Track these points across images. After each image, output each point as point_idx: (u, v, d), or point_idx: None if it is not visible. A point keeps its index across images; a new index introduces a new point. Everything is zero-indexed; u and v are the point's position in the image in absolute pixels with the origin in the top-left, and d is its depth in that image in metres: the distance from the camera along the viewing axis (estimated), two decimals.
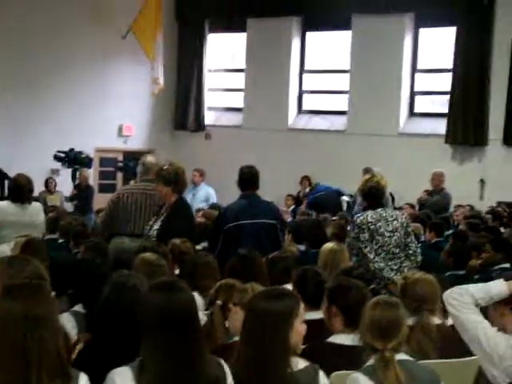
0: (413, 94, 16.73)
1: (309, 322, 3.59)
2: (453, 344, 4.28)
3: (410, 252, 6.93)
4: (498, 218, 11.73)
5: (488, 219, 11.65)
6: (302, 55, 18.11)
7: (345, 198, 13.85)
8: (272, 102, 17.85)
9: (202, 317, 4.62)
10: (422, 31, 16.60)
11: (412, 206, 13.38)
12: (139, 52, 17.42)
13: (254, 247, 6.16)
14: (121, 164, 15.81)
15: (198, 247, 7.48)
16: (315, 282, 4.94)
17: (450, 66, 15.95)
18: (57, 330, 3.03)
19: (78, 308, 4.61)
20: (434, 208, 12.39)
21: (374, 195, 7.12)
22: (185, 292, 3.29)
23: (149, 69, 17.88)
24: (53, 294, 3.85)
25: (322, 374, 3.54)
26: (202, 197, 13.44)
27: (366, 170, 11.48)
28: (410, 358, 3.79)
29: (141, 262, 5.15)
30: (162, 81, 17.99)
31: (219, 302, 4.60)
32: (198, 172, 13.83)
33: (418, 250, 7.06)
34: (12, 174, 9.25)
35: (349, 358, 3.81)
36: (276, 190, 14.03)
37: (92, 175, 16.42)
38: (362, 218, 7.01)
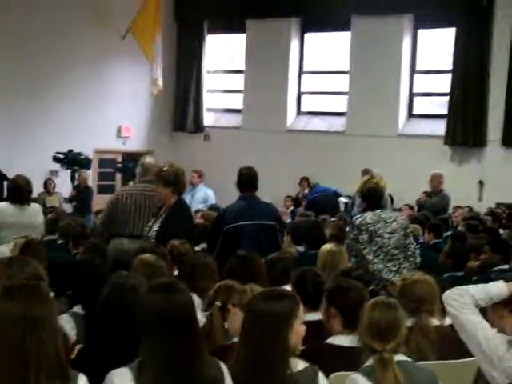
0: (412, 96, 16.74)
1: (308, 323, 3.60)
2: (452, 345, 4.28)
3: (409, 253, 6.93)
4: (497, 219, 11.73)
5: (487, 220, 11.66)
6: (301, 56, 18.12)
7: (342, 200, 13.88)
8: (271, 103, 17.85)
9: (201, 318, 4.62)
10: (421, 32, 16.61)
11: (411, 208, 13.39)
12: (138, 53, 17.43)
13: (253, 248, 6.16)
14: (120, 165, 15.81)
15: (197, 248, 7.48)
16: (314, 283, 4.95)
17: (449, 67, 15.97)
18: (56, 330, 3.03)
19: (77, 309, 4.61)
20: (432, 209, 12.40)
21: (372, 196, 7.12)
22: (183, 293, 3.30)
23: (148, 70, 17.88)
24: (51, 294, 3.84)
25: (321, 376, 3.55)
26: (201, 198, 13.45)
27: (365, 172, 11.48)
28: (409, 359, 3.80)
29: (140, 263, 5.16)
30: (160, 82, 17.98)
31: (218, 303, 4.60)
32: (197, 173, 13.84)
33: (417, 252, 7.06)
34: (11, 175, 9.25)
35: (348, 359, 3.82)
36: (275, 191, 14.03)
37: (91, 176, 16.42)
38: (361, 219, 7.01)
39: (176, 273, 5.80)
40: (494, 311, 3.92)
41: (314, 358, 3.59)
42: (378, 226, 6.87)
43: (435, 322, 4.58)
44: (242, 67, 18.79)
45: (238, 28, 18.67)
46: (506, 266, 7.52)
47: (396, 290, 4.95)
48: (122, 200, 7.51)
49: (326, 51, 18.11)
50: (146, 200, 7.49)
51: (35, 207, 8.09)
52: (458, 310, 3.90)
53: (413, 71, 16.65)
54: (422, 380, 3.73)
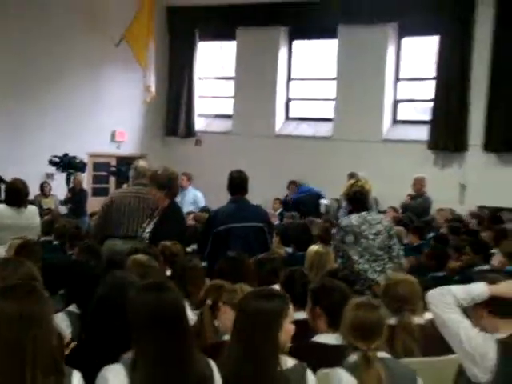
0: (396, 102, 16.76)
1: (295, 322, 3.59)
2: (434, 343, 4.29)
3: (394, 254, 6.95)
4: (481, 221, 11.76)
5: (470, 223, 11.69)
6: (289, 63, 18.12)
7: (323, 202, 13.92)
8: (260, 108, 17.87)
9: (192, 316, 4.63)
10: (405, 40, 16.64)
11: (395, 210, 13.43)
12: (132, 60, 17.43)
13: (242, 249, 6.18)
14: (114, 168, 15.80)
15: (189, 249, 7.49)
16: (302, 283, 4.96)
17: (432, 74, 16.00)
18: (51, 329, 3.03)
19: (73, 308, 4.61)
20: (415, 211, 12.47)
21: (358, 199, 7.15)
22: (173, 292, 3.30)
23: (141, 77, 17.87)
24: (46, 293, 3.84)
25: (309, 372, 3.56)
26: (190, 200, 13.46)
27: (351, 175, 11.52)
28: (389, 356, 3.83)
29: (133, 263, 5.15)
30: (153, 88, 17.99)
31: (209, 302, 4.60)
32: (186, 176, 13.82)
33: (401, 253, 7.09)
34: (8, 178, 9.25)
35: (333, 357, 3.83)
36: (264, 193, 14.02)
37: (86, 179, 16.42)
38: (346, 221, 7.04)
39: (168, 273, 5.80)
40: (474, 312, 3.92)
41: (301, 356, 3.60)
42: (364, 227, 6.90)
43: (418, 320, 4.60)
44: (233, 74, 18.79)
45: (228, 36, 18.67)
46: (486, 267, 7.54)
47: (380, 290, 4.98)
48: (115, 202, 7.52)
49: (314, 59, 18.11)
50: (140, 202, 7.49)
51: (32, 209, 8.07)
52: (441, 310, 3.89)
53: (397, 78, 16.67)
54: (402, 375, 3.76)
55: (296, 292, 4.75)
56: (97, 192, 17.13)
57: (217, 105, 19.56)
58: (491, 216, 12.04)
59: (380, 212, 11.04)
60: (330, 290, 4.38)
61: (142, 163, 8.08)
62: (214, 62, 19.76)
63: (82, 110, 17.27)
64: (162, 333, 3.15)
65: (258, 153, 17.18)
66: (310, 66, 18.13)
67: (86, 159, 15.72)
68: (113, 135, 18.34)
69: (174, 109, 19.19)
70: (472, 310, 3.90)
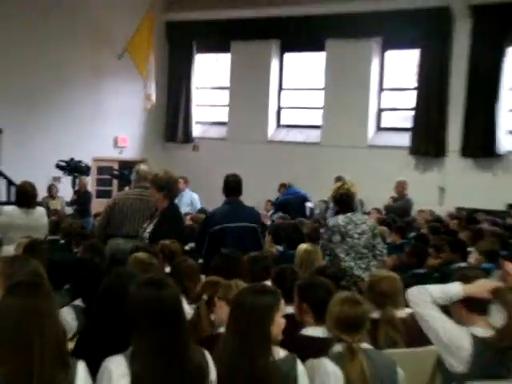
0: (380, 110, 16.78)
1: (285, 316, 3.61)
2: (415, 335, 4.30)
3: (377, 252, 6.94)
4: (459, 222, 11.77)
5: (448, 223, 11.70)
6: (280, 74, 18.13)
7: (308, 205, 13.92)
8: (253, 116, 17.88)
9: (189, 310, 4.63)
10: (388, 54, 16.67)
11: (379, 211, 13.44)
12: (133, 72, 17.50)
13: (237, 248, 6.17)
14: (116, 172, 15.76)
15: (186, 247, 7.48)
16: (292, 279, 4.94)
17: (413, 85, 16.05)
18: (57, 323, 3.03)
19: (78, 302, 4.61)
20: (397, 212, 12.50)
21: (344, 201, 7.14)
22: (171, 288, 3.30)
23: (142, 86, 17.90)
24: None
25: (299, 362, 3.56)
26: (188, 201, 13.42)
27: (338, 179, 11.50)
28: (371, 347, 3.84)
29: (134, 260, 5.15)
30: (153, 97, 18.02)
31: (205, 297, 4.60)
32: (183, 179, 13.75)
33: (385, 251, 7.08)
34: (18, 181, 9.22)
35: (319, 348, 3.83)
36: (257, 195, 14.01)
37: (90, 182, 16.39)
38: (333, 221, 7.03)
39: (167, 270, 5.79)
40: (454, 308, 3.96)
41: (290, 348, 3.60)
42: (349, 227, 6.89)
43: (400, 314, 4.61)
44: (228, 84, 18.79)
45: (223, 49, 18.69)
46: (463, 264, 7.55)
47: (365, 286, 4.98)
48: (118, 204, 7.51)
49: (303, 70, 18.12)
50: (141, 204, 7.48)
51: (40, 210, 8.06)
52: (419, 306, 3.93)
53: (381, 88, 16.70)
54: (383, 365, 3.78)
55: (286, 288, 4.73)
56: (100, 194, 17.11)
57: (213, 113, 19.57)
58: (468, 217, 12.05)
59: (365, 213, 11.06)
60: (316, 286, 4.38)
61: (143, 167, 8.06)
62: (211, 72, 19.76)
63: (87, 117, 17.29)
64: (160, 326, 3.15)
65: (251, 157, 17.18)
66: (300, 77, 18.15)
67: (90, 163, 15.69)
68: (115, 141, 18.33)
69: (172, 116, 19.18)
70: (453, 306, 3.94)
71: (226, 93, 18.86)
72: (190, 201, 13.54)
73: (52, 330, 2.96)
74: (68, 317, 4.39)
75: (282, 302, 3.54)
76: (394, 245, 9.57)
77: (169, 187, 7.13)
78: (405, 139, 15.84)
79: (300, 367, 3.55)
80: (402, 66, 16.85)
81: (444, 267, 7.64)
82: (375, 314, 4.56)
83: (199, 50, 19.13)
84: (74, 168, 14.37)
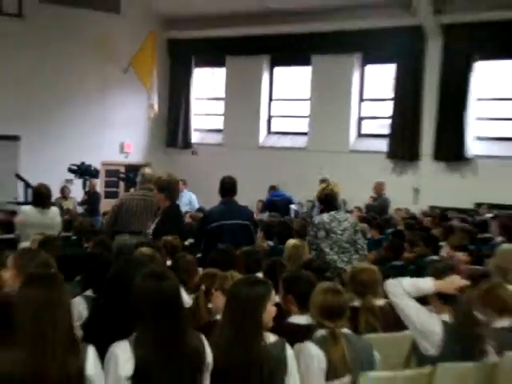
0: (360, 119, 16.79)
1: (275, 305, 3.60)
2: (392, 321, 4.32)
3: (359, 247, 6.95)
4: (433, 220, 11.79)
5: (422, 220, 11.72)
6: (270, 86, 18.13)
7: (293, 207, 13.87)
8: (246, 124, 17.87)
9: (188, 300, 4.63)
10: (368, 68, 16.68)
11: (360, 210, 13.47)
12: (137, 84, 17.53)
13: (232, 243, 6.17)
14: (122, 175, 15.72)
15: (186, 243, 7.47)
16: (281, 272, 4.95)
17: (391, 96, 16.06)
18: (69, 312, 3.03)
19: (89, 293, 4.59)
20: (376, 211, 12.53)
21: (328, 201, 7.15)
22: (172, 280, 3.29)
23: (145, 98, 17.92)
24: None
25: (288, 346, 3.56)
26: (186, 201, 13.40)
27: (323, 180, 11.49)
28: (350, 332, 3.85)
29: (139, 254, 5.14)
30: (156, 107, 18.06)
31: (203, 288, 4.60)
32: (181, 181, 13.72)
33: (365, 246, 7.09)
34: (34, 183, 9.20)
35: (304, 334, 3.84)
36: (249, 196, 13.97)
37: (99, 184, 16.35)
38: (319, 219, 7.04)
39: (169, 263, 5.79)
40: (431, 298, 4.04)
41: (279, 333, 3.60)
42: (333, 224, 6.90)
43: (379, 302, 4.62)
44: (223, 95, 18.77)
45: (219, 63, 18.68)
46: (435, 257, 7.57)
47: (347, 277, 4.99)
48: (125, 204, 7.50)
49: (291, 82, 18.11)
50: (145, 204, 7.48)
51: (54, 210, 8.04)
52: (396, 297, 3.98)
53: (361, 99, 16.71)
54: (361, 348, 3.80)
55: (277, 279, 4.74)
56: (108, 195, 17.06)
57: (210, 121, 19.53)
58: (440, 215, 12.08)
59: (347, 211, 11.05)
60: (299, 279, 4.36)
61: (147, 170, 8.06)
62: (208, 85, 19.73)
63: (96, 125, 17.31)
64: (161, 315, 3.15)
65: (244, 161, 17.16)
66: (288, 89, 18.13)
67: (99, 167, 15.64)
68: (121, 147, 18.32)
69: (173, 124, 19.15)
70: (430, 298, 4.01)
71: (222, 103, 18.84)
72: (188, 201, 13.53)
73: (64, 318, 2.97)
74: (80, 306, 4.37)
75: (273, 291, 3.54)
76: (374, 240, 9.59)
77: (170, 188, 7.13)
78: (383, 145, 15.86)
79: (289, 351, 3.55)
80: (380, 79, 16.84)
81: (418, 260, 7.66)
82: (356, 303, 4.57)
83: (197, 64, 19.12)
84: (84, 171, 14.33)
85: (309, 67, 17.13)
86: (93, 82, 17.17)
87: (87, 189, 14.63)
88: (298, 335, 3.82)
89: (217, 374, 3.28)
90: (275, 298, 3.59)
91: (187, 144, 19.09)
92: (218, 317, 3.94)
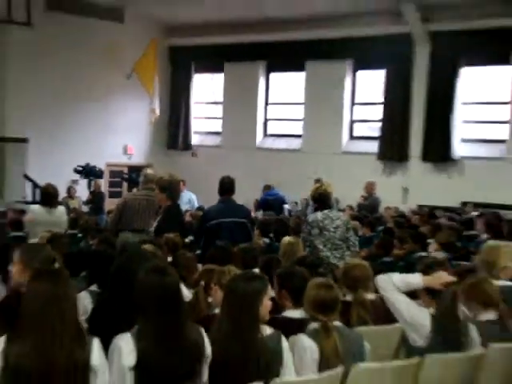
0: (352, 122, 16.79)
1: (271, 299, 3.60)
2: (382, 314, 4.32)
3: (351, 244, 6.95)
4: (421, 218, 11.78)
5: (411, 218, 11.72)
6: (266, 91, 18.13)
7: (286, 206, 13.85)
8: (243, 127, 17.87)
9: (188, 294, 4.63)
10: (359, 73, 16.68)
11: (352, 208, 13.47)
12: (140, 89, 17.55)
13: (230, 240, 6.17)
14: (126, 175, 15.72)
15: (186, 240, 7.47)
16: (277, 267, 4.94)
17: (381, 100, 16.07)
18: (75, 305, 3.04)
19: (94, 287, 4.59)
20: (367, 209, 12.53)
21: (322, 200, 7.14)
22: (173, 276, 3.29)
23: (147, 102, 17.92)
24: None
25: (283, 339, 3.56)
26: (186, 200, 13.37)
27: (317, 180, 11.53)
28: (342, 324, 3.85)
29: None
30: (157, 111, 18.06)
31: (202, 283, 4.60)
32: (182, 181, 13.71)
33: (357, 243, 7.09)
34: (42, 183, 9.19)
35: (298, 327, 3.83)
36: (246, 195, 13.96)
37: (103, 184, 16.34)
38: (312, 217, 7.03)
39: (170, 259, 5.78)
40: (420, 293, 4.05)
41: (275, 327, 3.60)
42: (326, 222, 6.89)
43: (370, 296, 4.62)
44: (221, 99, 18.78)
45: (218, 69, 18.65)
46: (424, 253, 7.57)
47: (340, 272, 4.98)
48: (128, 203, 7.50)
49: (286, 87, 18.12)
50: (147, 203, 7.48)
51: (61, 209, 8.03)
52: (387, 291, 3.99)
53: (353, 103, 16.71)
54: (352, 340, 3.80)
55: (272, 275, 4.74)
56: (112, 194, 17.03)
57: (209, 124, 19.52)
58: (428, 213, 12.08)
59: (340, 210, 11.06)
60: (293, 275, 4.34)
61: (150, 171, 8.07)
62: (207, 89, 19.73)
63: (100, 129, 17.30)
64: (163, 309, 3.14)
65: (242, 162, 17.16)
66: (284, 93, 18.14)
67: (103, 168, 15.64)
68: (125, 149, 18.32)
69: (174, 127, 19.15)
70: (419, 292, 4.04)
71: (220, 107, 18.83)
72: (188, 200, 13.50)
73: (71, 312, 2.97)
74: (85, 300, 4.37)
75: (269, 287, 3.53)
76: (365, 237, 9.59)
77: (171, 188, 7.14)
78: (374, 146, 15.88)
79: (285, 343, 3.54)
80: (370, 84, 16.86)
81: (407, 256, 7.66)
82: (348, 297, 4.56)
83: (197, 70, 19.11)
84: (89, 172, 14.33)
85: (303, 73, 17.13)
86: (98, 87, 17.13)
87: (92, 189, 14.62)
88: (291, 329, 3.81)
89: (215, 365, 3.27)
90: (271, 292, 3.58)
91: (187, 146, 19.08)
92: (217, 310, 3.93)
